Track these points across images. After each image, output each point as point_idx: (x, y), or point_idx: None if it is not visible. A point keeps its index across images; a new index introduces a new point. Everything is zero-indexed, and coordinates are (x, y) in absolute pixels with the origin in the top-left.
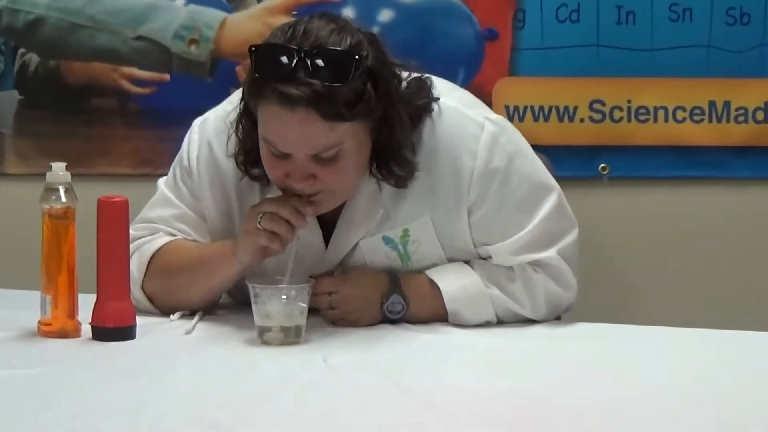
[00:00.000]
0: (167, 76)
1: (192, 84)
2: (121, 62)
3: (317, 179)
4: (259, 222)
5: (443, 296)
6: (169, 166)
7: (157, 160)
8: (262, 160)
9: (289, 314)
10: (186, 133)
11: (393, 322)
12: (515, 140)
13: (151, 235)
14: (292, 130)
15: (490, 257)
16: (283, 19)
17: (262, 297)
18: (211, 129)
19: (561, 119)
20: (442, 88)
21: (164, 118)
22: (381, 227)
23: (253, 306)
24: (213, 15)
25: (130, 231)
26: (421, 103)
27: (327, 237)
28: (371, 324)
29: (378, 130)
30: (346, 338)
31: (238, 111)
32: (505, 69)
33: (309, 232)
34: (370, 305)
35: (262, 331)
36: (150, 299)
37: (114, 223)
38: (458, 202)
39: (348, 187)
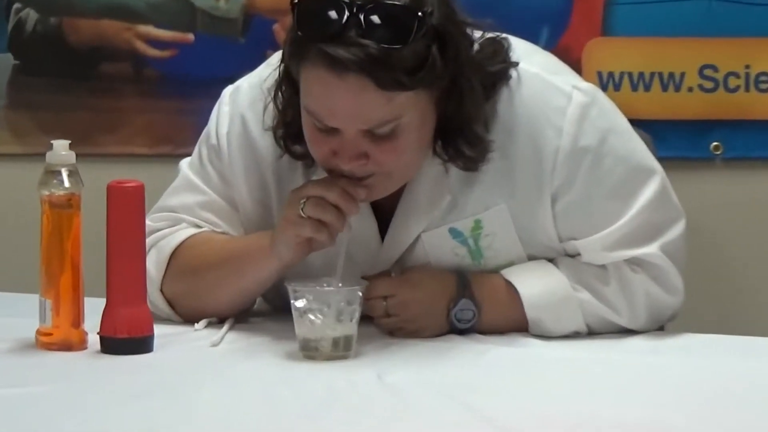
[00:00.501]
0: (191, 36)
1: (221, 46)
2: (136, 19)
3: (370, 159)
4: (302, 209)
5: (522, 301)
6: (193, 145)
7: (178, 137)
8: (305, 135)
9: (338, 322)
10: (214, 104)
11: (462, 332)
12: (609, 113)
13: (171, 226)
14: (340, 101)
15: (579, 254)
16: None
17: (306, 301)
18: (245, 99)
19: (665, 88)
20: (522, 51)
21: (187, 87)
22: (447, 217)
23: (294, 312)
24: None
25: (147, 222)
26: (497, 70)
27: (382, 229)
28: (435, 334)
29: (444, 102)
30: (405, 351)
31: (277, 76)
32: (598, 27)
33: (361, 223)
34: (435, 312)
35: (305, 342)
36: (170, 304)
37: (127, 212)
38: (540, 188)
39: (407, 169)
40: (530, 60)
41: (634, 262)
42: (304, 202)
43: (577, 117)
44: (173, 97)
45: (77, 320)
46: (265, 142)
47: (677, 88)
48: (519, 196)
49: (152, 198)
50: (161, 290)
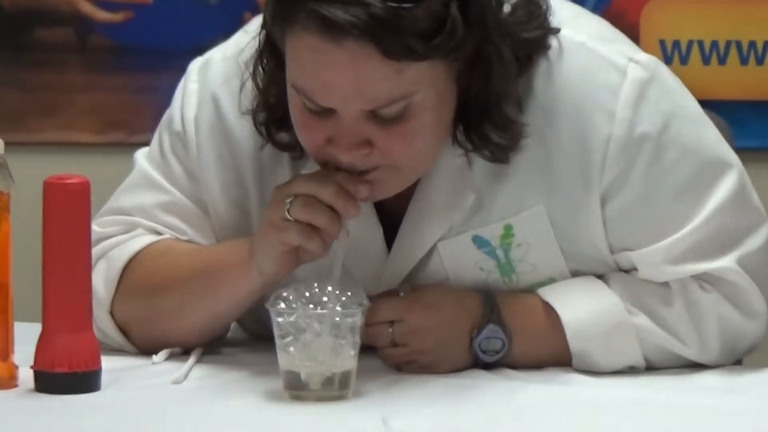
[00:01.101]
0: None
1: (186, 7)
2: None
3: (374, 148)
4: (288, 210)
5: (565, 328)
6: (152, 132)
7: (132, 121)
8: (293, 119)
9: (333, 354)
10: (178, 81)
11: (488, 365)
12: (674, 93)
13: (125, 233)
14: (337, 74)
15: (635, 269)
16: None
17: (292, 328)
18: (218, 75)
19: (744, 61)
20: (565, 15)
21: (144, 59)
22: (471, 222)
23: (277, 342)
24: None
25: (93, 227)
26: (533, 37)
27: (389, 237)
28: (455, 369)
29: (467, 76)
30: (416, 391)
31: (257, 45)
32: None
33: (363, 229)
34: (454, 341)
35: (291, 379)
36: (122, 330)
37: (68, 215)
38: (588, 186)
39: (420, 161)
40: (575, 26)
41: (705, 279)
42: (291, 201)
43: (633, 98)
44: (127, 72)
45: (5, 351)
46: (243, 129)
47: (760, 61)
48: (560, 195)
49: (100, 197)
50: (111, 313)
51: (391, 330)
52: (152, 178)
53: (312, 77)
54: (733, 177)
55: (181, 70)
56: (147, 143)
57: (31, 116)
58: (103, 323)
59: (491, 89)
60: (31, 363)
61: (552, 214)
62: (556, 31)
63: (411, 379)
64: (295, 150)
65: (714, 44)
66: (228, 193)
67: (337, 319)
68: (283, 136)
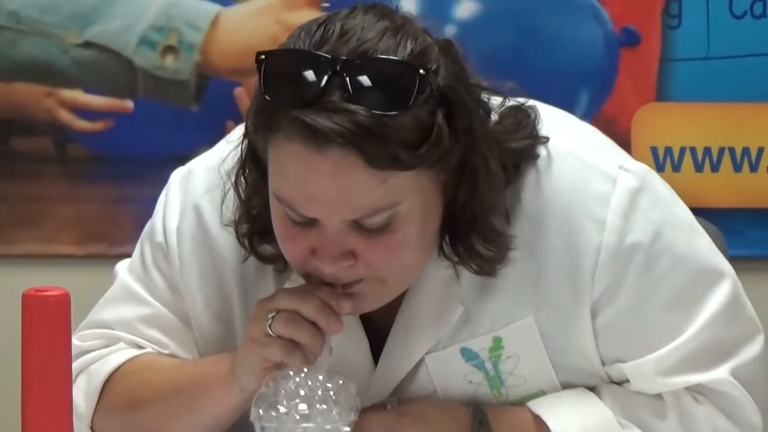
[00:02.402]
0: (129, 104)
1: (168, 116)
2: (60, 82)
3: (358, 259)
4: (269, 326)
5: None
6: (133, 244)
7: (113, 233)
8: (275, 230)
9: None
10: (159, 192)
11: None
12: (665, 201)
13: (106, 347)
14: (320, 183)
15: (627, 381)
16: (309, 15)
17: None
18: (200, 185)
19: (738, 168)
20: (554, 122)
21: (125, 169)
22: (459, 335)
23: None
24: (200, 9)
25: (74, 341)
26: (521, 147)
27: (376, 349)
28: None
29: (453, 187)
30: None
31: (239, 155)
32: (652, 91)
33: (349, 343)
34: None
35: None
36: None
37: (48, 328)
38: (577, 297)
39: (406, 274)
40: (564, 134)
41: (698, 391)
42: (273, 317)
43: (624, 206)
44: (107, 182)
45: None
46: (226, 240)
47: (754, 168)
48: (550, 306)
49: (80, 310)
50: (92, 428)
51: None
52: (134, 291)
53: (295, 187)
54: (726, 286)
55: (163, 180)
56: (128, 255)
57: (9, 227)
58: None
59: (478, 200)
60: None
61: (542, 325)
62: (545, 140)
63: None
64: (278, 262)
65: (707, 151)
66: (211, 305)
67: (325, 428)
68: (266, 248)
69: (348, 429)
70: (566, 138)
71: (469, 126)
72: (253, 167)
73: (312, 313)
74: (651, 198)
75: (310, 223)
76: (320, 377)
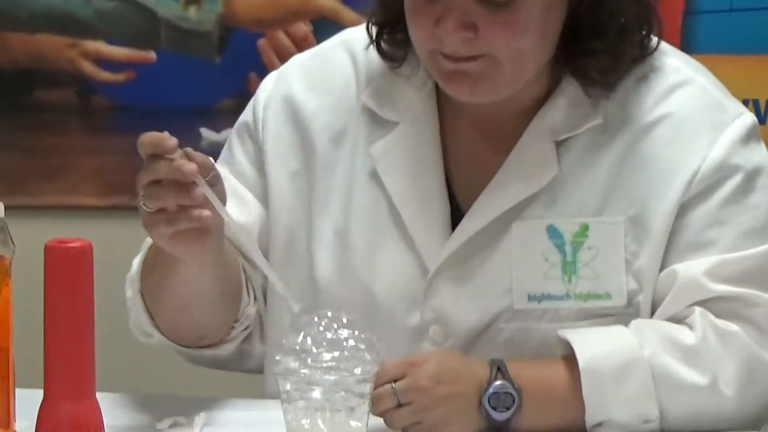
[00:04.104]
0: (152, 55)
1: (190, 67)
2: (82, 33)
3: (479, 34)
4: (144, 204)
5: (578, 359)
6: None
7: (136, 184)
8: (406, 10)
9: (342, 419)
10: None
11: (501, 427)
12: (766, 154)
13: None
14: None
15: (669, 303)
16: None
17: (298, 392)
18: (296, 70)
19: (762, 121)
20: (685, 56)
21: (148, 120)
22: (549, 210)
23: (284, 407)
24: None
25: None
26: (645, 38)
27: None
28: (466, 427)
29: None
30: None
31: None
32: (676, 43)
33: (424, 191)
34: (461, 398)
35: None
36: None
37: (70, 280)
38: (668, 199)
39: (522, 60)
40: (694, 67)
41: (737, 314)
42: (143, 195)
43: (736, 137)
44: (130, 134)
45: (6, 419)
46: (311, 103)
47: None
48: (639, 207)
49: (103, 261)
50: (141, 292)
51: (393, 387)
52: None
53: None
54: None
55: (186, 131)
56: None
57: (32, 179)
58: (132, 304)
59: (602, 16)
60: (33, 431)
61: (627, 227)
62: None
63: None
64: (395, 60)
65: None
66: (290, 169)
67: (348, 381)
68: (389, 45)
69: (370, 380)
70: (696, 71)
71: None
72: None
73: (166, 171)
74: (759, 142)
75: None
76: (343, 331)
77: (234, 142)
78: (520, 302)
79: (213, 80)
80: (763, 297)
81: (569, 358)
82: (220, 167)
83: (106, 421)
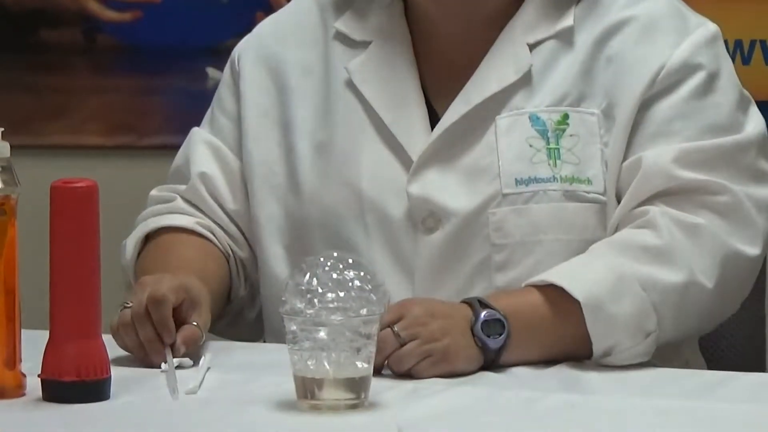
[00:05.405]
0: None
1: (197, 6)
2: None
3: None
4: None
5: (579, 299)
6: (161, 134)
7: (142, 124)
8: None
9: (348, 359)
10: (187, 82)
11: (497, 356)
12: (730, 61)
13: (168, 202)
14: None
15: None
16: None
17: (304, 333)
18: (267, 22)
19: None
20: None
21: (154, 59)
22: (530, 101)
23: (289, 347)
24: None
25: (153, 192)
26: None
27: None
28: (470, 364)
29: None
30: (433, 401)
31: None
32: None
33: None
34: (457, 329)
35: (305, 386)
36: None
37: (75, 219)
38: (635, 91)
39: None
40: None
41: (708, 204)
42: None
43: (700, 40)
44: (136, 74)
45: (12, 359)
46: (286, 49)
47: None
48: (608, 101)
49: (108, 201)
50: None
51: (394, 330)
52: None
53: None
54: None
55: (192, 71)
56: (157, 146)
57: (37, 119)
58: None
59: None
60: (39, 372)
61: (600, 120)
62: None
63: (428, 389)
64: None
65: (737, 43)
66: (263, 110)
67: (354, 321)
68: None
69: (376, 321)
70: None
71: None
72: None
73: (144, 335)
74: (722, 49)
75: None
76: (349, 272)
77: (221, 84)
78: (508, 186)
79: (220, 19)
80: (726, 186)
81: (538, 286)
82: (204, 127)
83: (112, 360)
